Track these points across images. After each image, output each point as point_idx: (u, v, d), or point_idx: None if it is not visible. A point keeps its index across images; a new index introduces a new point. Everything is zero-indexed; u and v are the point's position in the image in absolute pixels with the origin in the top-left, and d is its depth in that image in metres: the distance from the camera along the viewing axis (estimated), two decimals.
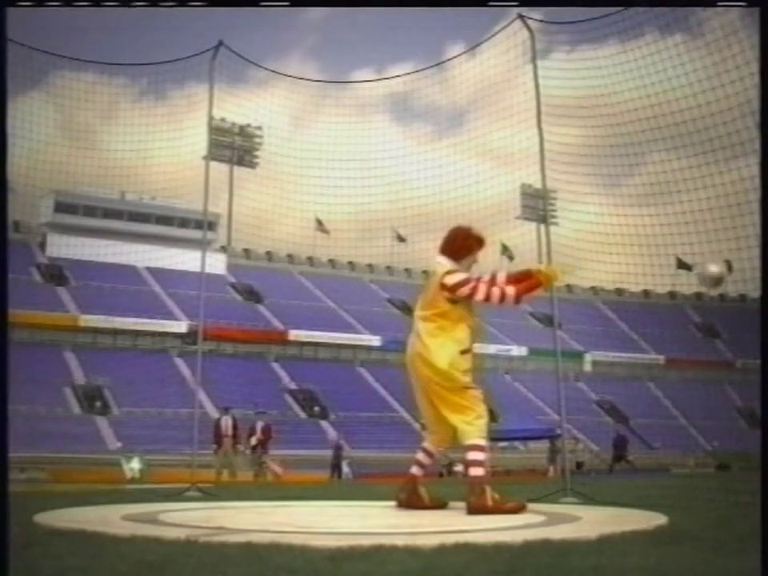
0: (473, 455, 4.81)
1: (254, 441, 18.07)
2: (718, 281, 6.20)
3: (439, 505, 5.15)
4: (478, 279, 5.04)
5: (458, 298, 4.93)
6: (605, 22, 8.34)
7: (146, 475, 22.46)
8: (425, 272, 5.53)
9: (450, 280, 4.94)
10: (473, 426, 4.84)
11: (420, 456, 5.26)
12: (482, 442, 4.85)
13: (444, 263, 5.05)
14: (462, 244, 5.12)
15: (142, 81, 12.77)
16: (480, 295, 4.94)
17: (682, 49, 9.57)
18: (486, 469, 4.82)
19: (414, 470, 5.22)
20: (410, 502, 5.06)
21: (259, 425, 18.40)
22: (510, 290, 5.02)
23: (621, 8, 8.07)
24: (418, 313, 5.10)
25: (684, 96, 10.05)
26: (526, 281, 5.16)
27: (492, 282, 5.07)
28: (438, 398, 4.94)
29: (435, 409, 5.03)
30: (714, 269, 6.24)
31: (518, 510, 4.72)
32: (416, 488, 5.14)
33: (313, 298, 52.44)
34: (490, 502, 4.63)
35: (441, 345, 4.89)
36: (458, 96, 12.23)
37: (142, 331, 44.90)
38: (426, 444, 5.28)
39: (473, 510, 4.62)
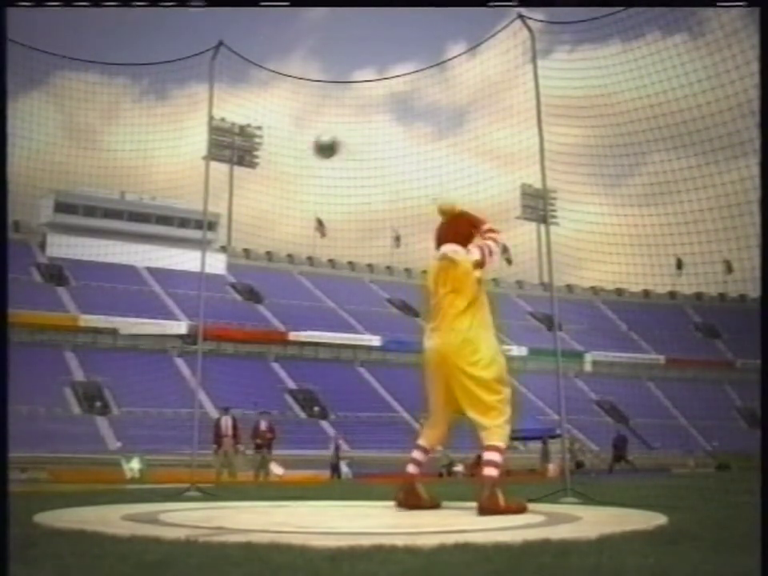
0: (491, 455, 4.82)
1: (258, 441, 18.05)
2: (327, 149, 5.93)
3: (438, 504, 5.15)
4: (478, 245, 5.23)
5: (484, 272, 5.07)
6: (605, 22, 8.34)
7: (146, 475, 22.46)
8: (424, 272, 5.50)
9: (476, 255, 5.08)
10: (499, 429, 4.87)
11: (416, 454, 5.23)
12: (503, 445, 4.87)
13: (460, 251, 5.12)
14: (469, 229, 5.24)
15: (143, 81, 12.78)
16: (495, 247, 5.17)
17: (682, 49, 9.58)
18: (500, 471, 4.83)
19: (411, 468, 5.20)
20: (409, 501, 5.05)
21: (263, 424, 18.38)
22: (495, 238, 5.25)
23: (621, 8, 8.06)
24: (447, 308, 5.02)
25: (684, 96, 10.06)
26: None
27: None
28: (467, 396, 4.90)
29: (450, 407, 5.03)
30: (326, 138, 5.96)
31: (523, 510, 4.74)
32: (414, 487, 5.12)
33: (313, 298, 52.41)
34: (502, 503, 4.64)
35: (485, 339, 4.95)
36: (458, 96, 12.24)
37: None
38: (421, 441, 5.26)
39: (484, 510, 4.61)
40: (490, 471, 4.76)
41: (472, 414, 4.89)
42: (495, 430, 4.84)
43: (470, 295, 4.98)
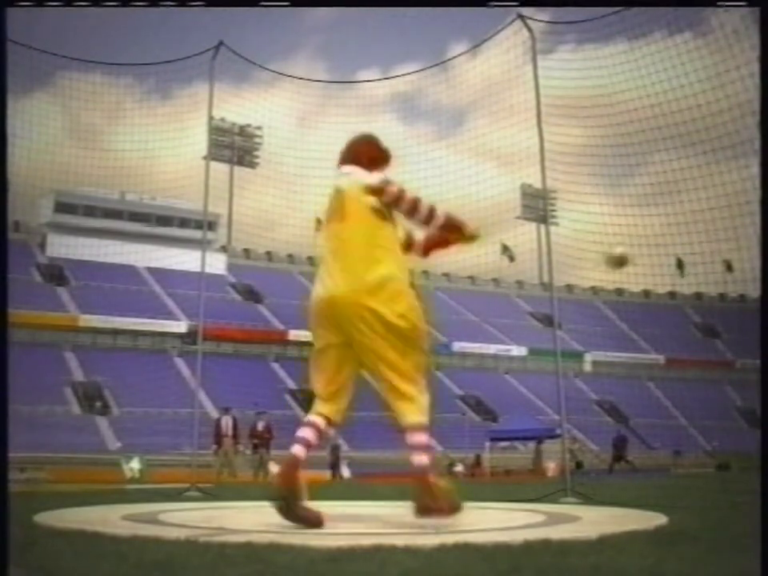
0: (417, 437, 3.76)
1: (255, 441, 18.07)
2: (620, 261, 5.32)
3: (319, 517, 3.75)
4: None
5: (386, 204, 3.93)
6: (605, 23, 8.35)
7: (146, 475, 22.50)
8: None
9: (374, 179, 3.95)
10: (416, 403, 3.82)
11: (307, 432, 3.99)
12: (426, 421, 3.81)
13: (357, 172, 4.01)
14: (378, 153, 4.18)
15: (146, 81, 12.80)
16: (409, 196, 3.97)
17: (682, 49, 9.59)
18: (432, 455, 3.81)
19: (297, 449, 3.93)
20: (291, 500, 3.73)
21: (260, 424, 18.39)
22: (441, 213, 4.09)
23: (621, 8, 8.07)
24: (341, 244, 3.87)
25: (685, 96, 10.06)
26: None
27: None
28: (382, 361, 3.80)
29: (350, 374, 3.95)
30: (618, 249, 5.58)
31: (456, 510, 3.76)
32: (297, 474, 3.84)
33: None
34: (443, 503, 3.69)
35: (405, 285, 3.85)
36: (459, 96, 12.25)
37: (141, 331, 44.90)
38: (315, 418, 4.00)
39: (423, 511, 3.68)
40: (421, 458, 3.72)
41: (387, 378, 3.81)
42: (417, 402, 3.80)
43: (360, 227, 3.84)
